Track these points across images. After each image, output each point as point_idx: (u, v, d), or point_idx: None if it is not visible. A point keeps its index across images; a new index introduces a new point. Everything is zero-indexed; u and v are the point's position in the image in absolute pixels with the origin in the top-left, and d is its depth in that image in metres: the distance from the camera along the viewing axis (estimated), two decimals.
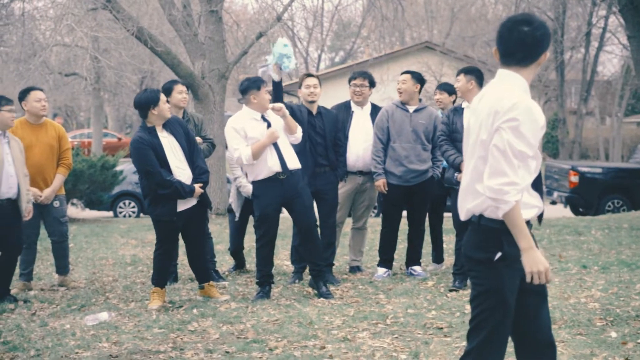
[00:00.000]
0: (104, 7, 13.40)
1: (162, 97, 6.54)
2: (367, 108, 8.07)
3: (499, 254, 3.33)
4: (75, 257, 9.53)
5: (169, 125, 6.57)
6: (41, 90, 7.33)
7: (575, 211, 18.59)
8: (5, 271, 6.90)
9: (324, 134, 7.56)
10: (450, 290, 7.04)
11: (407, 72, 7.84)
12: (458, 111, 7.26)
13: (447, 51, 34.46)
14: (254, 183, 6.79)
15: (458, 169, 7.14)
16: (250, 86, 6.71)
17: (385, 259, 7.94)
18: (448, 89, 8.13)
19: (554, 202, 18.43)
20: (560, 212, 18.41)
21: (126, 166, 16.85)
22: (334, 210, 7.66)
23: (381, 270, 7.88)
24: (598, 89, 40.34)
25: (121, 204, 17.44)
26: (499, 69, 3.49)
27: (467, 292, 6.94)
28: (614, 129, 35.57)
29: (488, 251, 3.35)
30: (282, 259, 9.09)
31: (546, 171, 18.55)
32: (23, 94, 7.33)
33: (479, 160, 3.38)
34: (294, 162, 6.76)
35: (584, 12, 30.73)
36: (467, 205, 3.46)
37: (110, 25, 16.17)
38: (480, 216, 3.40)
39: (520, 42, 3.38)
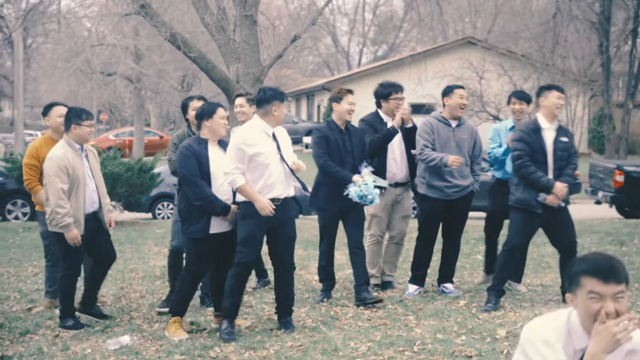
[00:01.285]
0: (138, 12, 13.36)
1: (220, 111, 6.35)
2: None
3: None
4: None
5: (224, 145, 6.42)
6: (65, 105, 7.23)
7: (621, 211, 18.22)
8: (94, 281, 6.87)
9: (352, 153, 7.30)
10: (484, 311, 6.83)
11: (462, 86, 7.72)
12: (538, 131, 7.05)
13: (490, 46, 34.01)
14: (244, 203, 6.20)
15: (548, 191, 6.87)
16: (275, 97, 6.28)
17: (418, 275, 7.74)
18: (527, 98, 7.91)
19: (598, 202, 18.03)
20: (606, 212, 18.00)
21: (164, 167, 16.86)
22: (361, 226, 7.45)
23: (412, 288, 7.68)
24: None
25: (159, 206, 17.48)
26: None
27: (499, 314, 6.73)
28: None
29: None
30: (313, 272, 8.94)
31: (590, 170, 18.17)
32: (46, 109, 7.24)
33: None
34: (291, 190, 6.40)
35: (632, 3, 30.02)
36: None
37: (149, 27, 16.17)
38: None
39: None
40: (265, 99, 6.26)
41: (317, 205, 7.35)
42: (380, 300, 7.13)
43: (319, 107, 41.56)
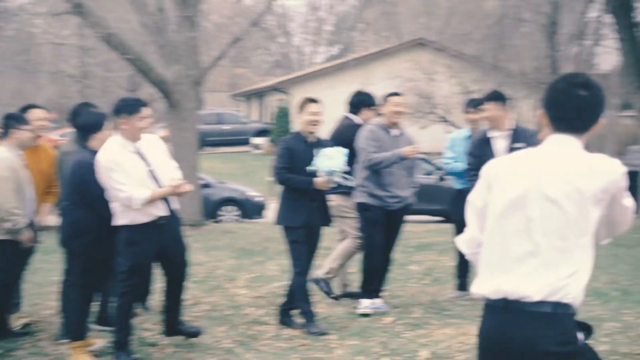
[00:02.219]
0: (70, 11, 12.93)
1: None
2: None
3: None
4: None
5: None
6: (41, 108, 6.74)
7: None
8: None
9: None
10: None
11: (398, 94, 7.43)
12: (487, 141, 6.83)
13: (441, 48, 34.00)
14: (127, 227, 5.60)
15: None
16: (120, 109, 5.61)
17: (372, 289, 7.34)
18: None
19: None
20: None
21: None
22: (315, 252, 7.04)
23: (367, 302, 7.27)
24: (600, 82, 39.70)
25: None
26: (552, 134, 3.01)
27: (425, 332, 6.50)
28: (609, 125, 35.05)
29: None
30: (240, 286, 8.62)
31: None
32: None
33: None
34: (175, 202, 5.90)
35: (579, 7, 30.22)
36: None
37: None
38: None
39: (578, 108, 2.95)
40: (114, 111, 5.67)
41: (282, 222, 6.76)
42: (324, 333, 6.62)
43: (270, 107, 41.23)
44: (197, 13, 13.71)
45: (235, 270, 9.53)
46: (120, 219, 5.64)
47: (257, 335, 6.52)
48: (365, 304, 7.21)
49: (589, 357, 2.97)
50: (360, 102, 7.73)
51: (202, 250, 11.06)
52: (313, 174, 6.53)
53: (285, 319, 6.83)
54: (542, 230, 2.88)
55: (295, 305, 6.77)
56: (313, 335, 6.44)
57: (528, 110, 34.84)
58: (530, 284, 2.85)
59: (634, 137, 32.19)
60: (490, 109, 6.96)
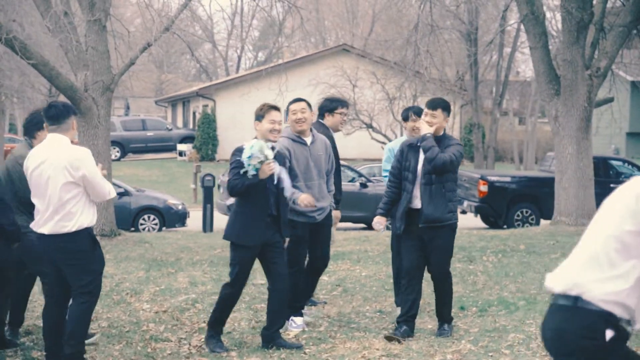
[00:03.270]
0: None
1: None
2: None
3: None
4: None
5: None
6: None
7: (486, 220, 18.44)
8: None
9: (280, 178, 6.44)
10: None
11: (302, 99, 7.03)
12: (414, 148, 6.69)
13: (364, 54, 34.11)
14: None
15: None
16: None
17: (300, 307, 7.10)
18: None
19: (464, 212, 18.21)
20: (471, 221, 18.15)
21: None
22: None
23: (299, 320, 7.00)
24: (517, 90, 40.55)
25: None
26: None
27: (328, 347, 6.33)
28: (529, 131, 35.70)
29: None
30: (143, 300, 8.33)
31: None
32: None
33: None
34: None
35: (498, 15, 30.66)
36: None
37: None
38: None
39: None
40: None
41: (231, 239, 6.44)
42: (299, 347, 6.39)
43: (194, 113, 40.72)
44: (107, 17, 13.32)
45: (142, 283, 9.21)
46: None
47: (154, 354, 6.25)
48: (299, 322, 6.98)
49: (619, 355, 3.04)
50: (322, 107, 7.65)
51: (113, 261, 10.70)
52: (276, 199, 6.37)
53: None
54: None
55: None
56: (213, 353, 6.21)
57: (449, 116, 35.18)
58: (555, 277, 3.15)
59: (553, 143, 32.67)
60: (439, 117, 6.76)
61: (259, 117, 6.36)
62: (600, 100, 16.50)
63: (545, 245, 12.00)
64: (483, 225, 18.26)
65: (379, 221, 6.78)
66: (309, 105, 7.05)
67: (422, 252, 6.64)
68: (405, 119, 7.50)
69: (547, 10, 23.07)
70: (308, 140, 7.00)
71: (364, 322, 7.18)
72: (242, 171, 6.13)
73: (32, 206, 5.71)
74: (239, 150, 6.25)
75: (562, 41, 15.72)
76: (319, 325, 7.04)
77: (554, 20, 25.70)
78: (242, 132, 35.66)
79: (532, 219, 17.31)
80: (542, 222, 16.68)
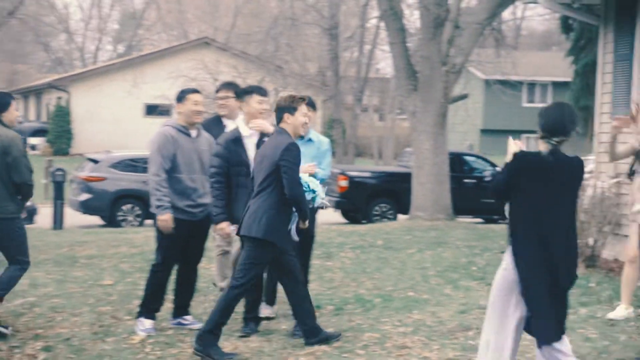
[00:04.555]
0: None
1: None
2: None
3: None
4: None
5: None
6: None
7: (346, 215, 18.44)
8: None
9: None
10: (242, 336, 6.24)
11: (197, 91, 6.73)
12: (238, 141, 6.34)
13: (225, 47, 33.65)
14: None
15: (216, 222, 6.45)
16: None
17: (154, 309, 6.67)
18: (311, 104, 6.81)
19: (323, 207, 18.08)
20: (332, 217, 18.07)
21: None
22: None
23: (149, 323, 6.55)
24: (377, 87, 41.15)
25: None
26: None
27: (174, 352, 5.95)
28: (388, 127, 36.27)
29: None
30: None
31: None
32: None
33: None
34: None
35: (359, 11, 30.92)
36: None
37: None
38: None
39: None
40: None
41: (274, 238, 6.00)
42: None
43: (47, 106, 39.04)
44: None
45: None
46: None
47: None
48: (147, 326, 6.53)
49: None
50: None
51: None
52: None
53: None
54: None
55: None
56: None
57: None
58: None
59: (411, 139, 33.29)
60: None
61: (291, 109, 6.04)
62: (456, 97, 16.78)
63: (402, 240, 12.00)
64: (343, 220, 18.23)
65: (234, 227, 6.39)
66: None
67: None
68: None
69: (406, 7, 23.40)
70: (193, 133, 6.64)
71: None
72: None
73: None
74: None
75: (420, 37, 15.87)
76: (166, 329, 6.63)
77: (413, 17, 26.10)
78: (100, 125, 34.52)
79: (390, 214, 17.42)
80: (400, 216, 16.81)
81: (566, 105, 4.85)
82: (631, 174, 6.91)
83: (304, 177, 6.09)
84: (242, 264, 5.92)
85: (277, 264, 6.11)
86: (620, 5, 10.18)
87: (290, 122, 5.99)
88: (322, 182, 6.69)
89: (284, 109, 6.00)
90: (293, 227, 6.10)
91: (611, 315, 6.83)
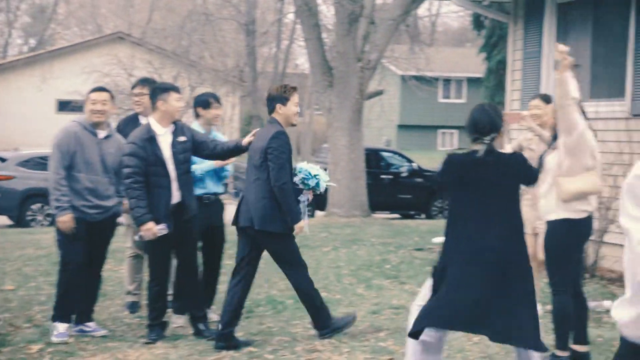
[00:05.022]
0: None
1: None
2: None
3: None
4: None
5: None
6: None
7: None
8: None
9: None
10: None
11: (106, 90, 6.46)
12: (152, 140, 6.08)
13: (140, 42, 33.00)
14: None
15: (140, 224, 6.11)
16: None
17: (69, 312, 6.37)
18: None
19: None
20: None
21: None
22: None
23: (63, 327, 6.25)
24: (295, 82, 40.91)
25: None
26: None
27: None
28: (306, 123, 36.22)
29: None
30: None
31: (234, 171, 17.90)
32: None
33: None
34: None
35: (279, 5, 30.73)
36: None
37: None
38: None
39: None
40: None
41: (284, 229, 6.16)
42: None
43: None
44: None
45: None
46: None
47: None
48: (61, 330, 6.23)
49: None
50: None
51: None
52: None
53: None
54: None
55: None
56: None
57: (229, 107, 34.98)
58: None
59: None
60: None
61: (284, 99, 6.07)
62: (371, 93, 16.79)
63: (318, 238, 11.90)
64: None
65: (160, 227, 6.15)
66: (112, 97, 6.48)
67: None
68: (205, 105, 6.84)
69: (323, 2, 23.31)
70: (101, 133, 6.36)
71: (121, 330, 6.58)
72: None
73: None
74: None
75: (335, 33, 15.81)
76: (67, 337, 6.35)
77: (330, 13, 26.07)
78: (9, 122, 33.41)
79: (308, 211, 17.28)
80: (318, 213, 16.73)
81: (487, 104, 4.79)
82: None
83: (303, 165, 6.20)
84: (277, 261, 6.27)
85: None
86: (529, 3, 10.30)
87: (283, 112, 6.01)
88: (227, 177, 6.70)
89: (275, 98, 6.03)
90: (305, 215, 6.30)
91: None
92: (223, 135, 6.99)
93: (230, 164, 6.85)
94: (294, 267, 6.23)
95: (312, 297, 6.16)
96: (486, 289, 4.35)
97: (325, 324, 6.14)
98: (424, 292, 4.66)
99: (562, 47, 5.24)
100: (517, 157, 4.67)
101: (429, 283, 4.62)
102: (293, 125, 6.17)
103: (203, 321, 6.35)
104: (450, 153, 4.67)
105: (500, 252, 4.39)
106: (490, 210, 4.46)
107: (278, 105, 6.00)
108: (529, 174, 4.66)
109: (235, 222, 6.12)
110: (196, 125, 6.73)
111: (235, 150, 6.30)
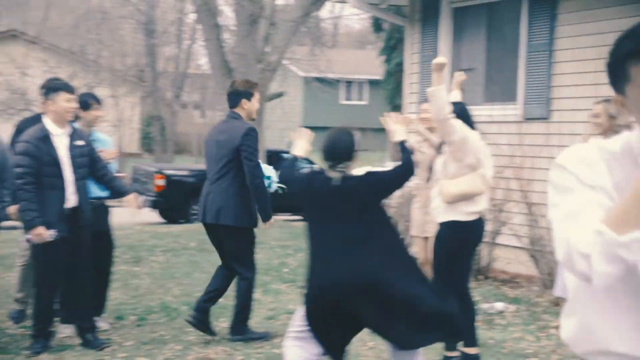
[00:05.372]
0: None
1: None
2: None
3: None
4: None
5: None
6: None
7: (165, 215, 17.95)
8: None
9: None
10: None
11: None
12: (47, 139, 5.78)
13: (35, 40, 32.00)
14: None
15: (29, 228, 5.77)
16: None
17: None
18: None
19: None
20: (149, 216, 17.49)
21: None
22: None
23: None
24: (198, 83, 40.54)
25: None
26: None
27: None
28: (209, 124, 35.87)
29: None
30: None
31: (133, 173, 17.64)
32: None
33: None
34: None
35: (178, 4, 30.28)
36: None
37: None
38: None
39: None
40: None
41: (250, 223, 6.27)
42: None
43: None
44: None
45: None
46: None
47: None
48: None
49: None
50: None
51: None
52: None
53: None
54: None
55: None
56: None
57: (129, 107, 34.30)
58: None
59: None
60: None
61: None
62: (272, 95, 16.69)
63: None
64: (161, 220, 17.73)
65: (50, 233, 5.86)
66: None
67: None
68: (85, 106, 6.57)
69: (224, 2, 23.08)
70: None
71: (3, 342, 6.27)
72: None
73: None
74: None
75: (236, 34, 15.64)
76: None
77: (230, 14, 25.86)
78: None
79: None
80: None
81: (344, 129, 4.55)
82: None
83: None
84: (234, 257, 6.17)
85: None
86: (425, 7, 10.40)
87: (247, 107, 6.08)
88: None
89: (241, 93, 6.06)
90: None
91: None
92: (107, 137, 6.76)
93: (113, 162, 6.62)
94: (246, 265, 6.25)
95: (247, 300, 6.22)
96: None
97: (241, 330, 6.18)
98: (297, 320, 4.50)
99: (439, 60, 5.23)
100: (369, 177, 4.41)
101: (300, 310, 4.47)
102: (252, 120, 6.23)
103: (91, 331, 6.12)
104: (313, 171, 4.59)
105: (370, 275, 4.18)
106: (352, 236, 4.26)
107: (243, 100, 6.07)
108: (386, 188, 4.46)
109: (203, 219, 6.20)
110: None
111: (118, 194, 6.21)
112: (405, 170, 4.49)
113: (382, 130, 8.08)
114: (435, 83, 5.14)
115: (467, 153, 5.25)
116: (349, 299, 4.18)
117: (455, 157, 5.27)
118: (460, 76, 6.04)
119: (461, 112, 5.32)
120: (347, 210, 4.31)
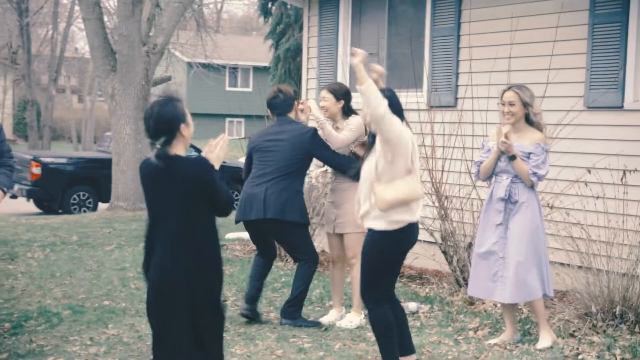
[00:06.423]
0: None
1: None
2: None
3: None
4: None
5: None
6: None
7: (40, 205, 16.94)
8: None
9: None
10: None
11: None
12: None
13: None
14: None
15: None
16: None
17: None
18: None
19: (14, 196, 16.44)
20: (24, 206, 16.41)
21: None
22: None
23: None
24: (75, 67, 38.93)
25: None
26: None
27: None
28: (88, 109, 34.53)
29: None
30: None
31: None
32: None
33: None
34: None
35: None
36: None
37: None
38: None
39: None
40: None
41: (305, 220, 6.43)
42: None
43: None
44: None
45: None
46: None
47: None
48: None
49: None
50: None
51: None
52: None
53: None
54: None
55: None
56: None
57: (0, 91, 32.49)
58: None
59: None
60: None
61: None
62: (158, 79, 15.91)
63: (100, 234, 10.95)
64: (37, 210, 16.68)
65: None
66: None
67: None
68: None
69: None
70: None
71: None
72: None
73: None
74: None
75: (117, 15, 14.77)
76: None
77: None
78: None
79: (89, 203, 16.25)
80: (101, 205, 15.67)
81: (164, 100, 3.92)
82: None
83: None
84: (296, 248, 6.28)
85: None
86: None
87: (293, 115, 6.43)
88: None
89: (291, 99, 6.37)
90: None
91: (325, 319, 6.36)
92: None
93: None
94: (309, 254, 6.37)
95: (306, 286, 6.31)
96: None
97: (293, 315, 6.26)
98: None
99: (357, 52, 4.69)
100: (198, 161, 3.89)
101: None
102: None
103: None
104: (144, 160, 3.99)
105: (181, 281, 3.84)
106: (173, 218, 3.85)
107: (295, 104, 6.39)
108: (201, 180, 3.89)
109: (245, 217, 6.28)
110: None
111: None
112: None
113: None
114: (362, 80, 4.57)
115: (402, 154, 4.71)
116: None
117: (386, 158, 4.73)
118: (379, 69, 5.40)
119: (391, 100, 4.79)
120: (165, 199, 3.85)
